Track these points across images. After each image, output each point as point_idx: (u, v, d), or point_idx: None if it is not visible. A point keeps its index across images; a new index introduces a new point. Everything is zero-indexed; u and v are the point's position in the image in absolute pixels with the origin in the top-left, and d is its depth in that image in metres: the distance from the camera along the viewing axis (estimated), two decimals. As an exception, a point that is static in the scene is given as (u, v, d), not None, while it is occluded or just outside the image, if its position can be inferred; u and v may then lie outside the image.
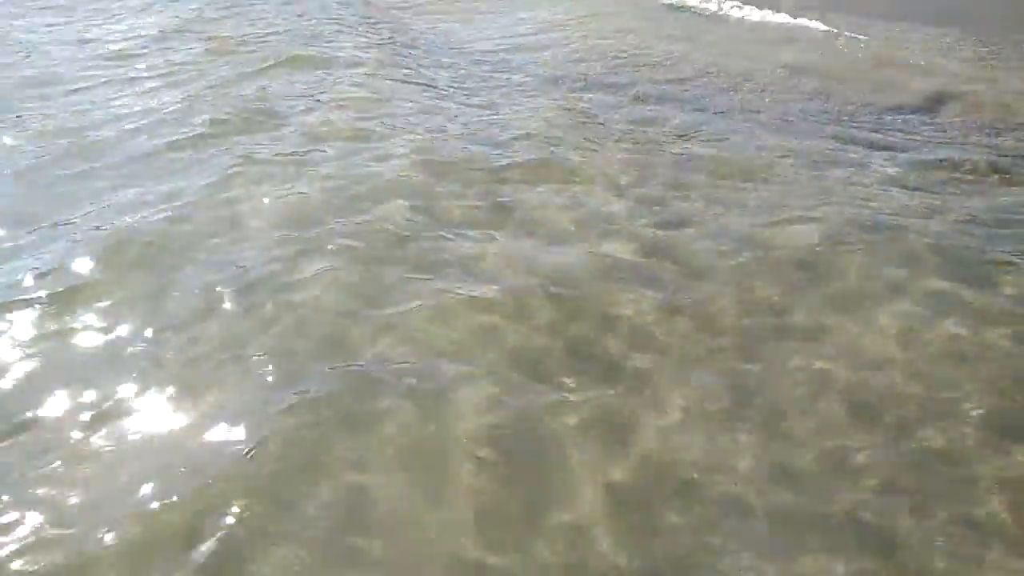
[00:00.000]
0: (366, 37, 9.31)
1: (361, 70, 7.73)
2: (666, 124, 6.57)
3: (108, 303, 3.80)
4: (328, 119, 6.30)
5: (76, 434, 3.01)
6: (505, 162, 5.47)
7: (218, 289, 3.91)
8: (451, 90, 7.42)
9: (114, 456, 2.91)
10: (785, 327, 3.70)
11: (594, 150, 5.81)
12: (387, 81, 7.36)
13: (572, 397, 3.22)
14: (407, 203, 4.76)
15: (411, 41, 9.43)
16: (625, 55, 9.00)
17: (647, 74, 8.23)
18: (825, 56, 9.15)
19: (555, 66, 8.55)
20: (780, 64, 8.62)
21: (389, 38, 9.42)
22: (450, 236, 4.45)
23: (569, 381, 3.31)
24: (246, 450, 2.90)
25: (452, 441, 2.96)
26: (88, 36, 9.25)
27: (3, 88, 7.22)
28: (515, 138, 5.99)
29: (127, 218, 4.61)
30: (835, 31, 10.20)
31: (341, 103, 6.67)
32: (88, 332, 3.62)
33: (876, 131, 6.60)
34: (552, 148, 5.78)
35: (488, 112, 6.72)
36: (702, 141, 6.12)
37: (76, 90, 7.17)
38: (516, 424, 3.06)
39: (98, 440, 2.98)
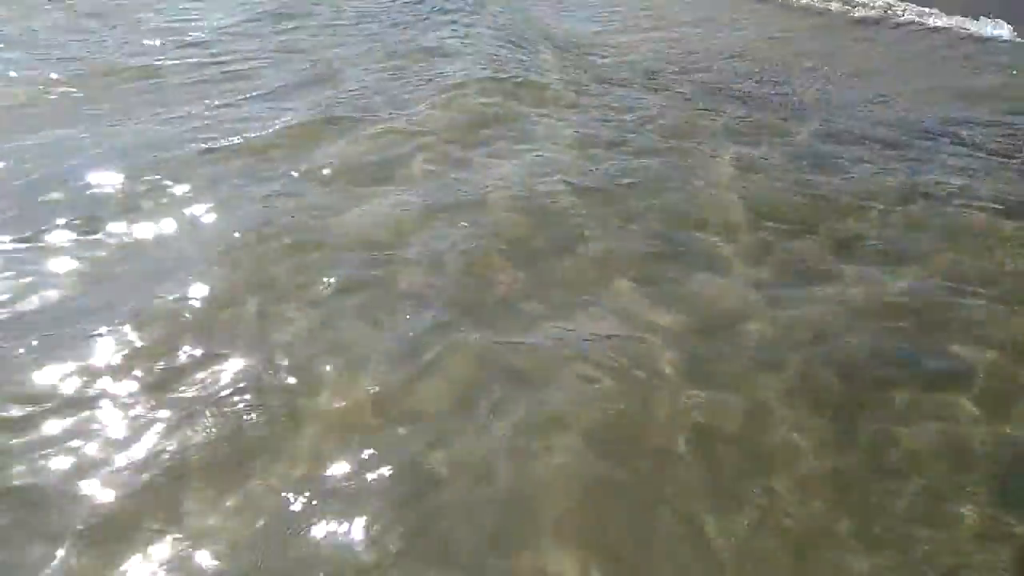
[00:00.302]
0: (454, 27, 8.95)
1: (453, 64, 7.48)
2: (763, 135, 6.23)
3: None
4: (411, 123, 6.06)
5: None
6: (589, 183, 5.23)
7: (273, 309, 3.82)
8: (544, 88, 7.08)
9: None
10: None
11: (699, 174, 5.48)
12: (478, 78, 7.06)
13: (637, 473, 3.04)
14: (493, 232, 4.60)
15: (504, 34, 8.99)
16: (716, 52, 8.61)
17: (734, 73, 7.90)
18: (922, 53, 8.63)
19: (641, 63, 8.23)
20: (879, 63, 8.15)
21: (481, 30, 9.00)
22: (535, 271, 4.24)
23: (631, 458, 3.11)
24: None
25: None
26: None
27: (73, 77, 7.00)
28: (603, 146, 5.79)
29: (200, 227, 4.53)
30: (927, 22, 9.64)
31: (431, 104, 6.45)
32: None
33: (967, 152, 6.12)
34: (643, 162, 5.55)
35: (584, 115, 6.48)
36: (808, 167, 5.69)
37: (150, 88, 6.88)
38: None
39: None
